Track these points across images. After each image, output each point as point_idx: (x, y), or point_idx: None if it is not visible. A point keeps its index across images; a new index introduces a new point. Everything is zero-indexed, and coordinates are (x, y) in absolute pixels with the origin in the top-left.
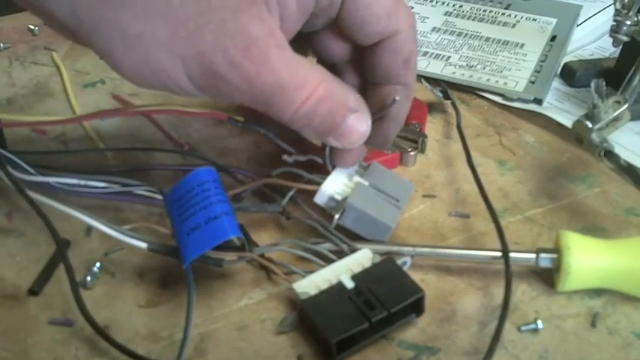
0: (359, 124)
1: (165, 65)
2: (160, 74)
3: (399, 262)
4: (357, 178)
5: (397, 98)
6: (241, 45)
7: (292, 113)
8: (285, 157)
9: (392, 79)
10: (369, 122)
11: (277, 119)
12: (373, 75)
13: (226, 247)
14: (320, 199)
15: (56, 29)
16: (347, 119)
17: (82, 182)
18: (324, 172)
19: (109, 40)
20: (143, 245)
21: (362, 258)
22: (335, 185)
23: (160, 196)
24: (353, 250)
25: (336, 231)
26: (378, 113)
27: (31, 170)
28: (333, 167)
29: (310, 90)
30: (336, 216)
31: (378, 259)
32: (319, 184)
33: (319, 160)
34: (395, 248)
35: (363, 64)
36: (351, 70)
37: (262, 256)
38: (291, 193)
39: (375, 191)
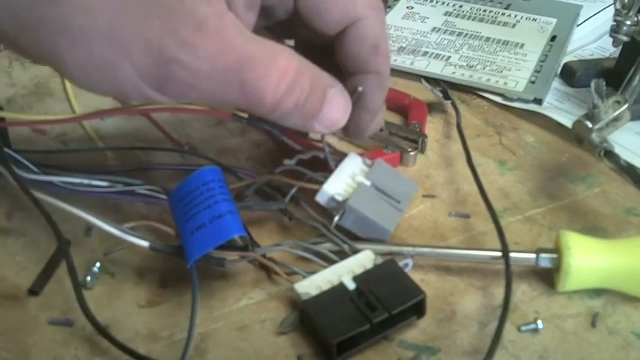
0: (340, 97)
1: (110, 58)
2: (104, 70)
3: (401, 263)
4: (359, 178)
5: (360, 89)
6: (192, 25)
7: (273, 92)
8: (286, 161)
9: (361, 68)
10: (347, 96)
11: (259, 109)
12: (343, 64)
13: (230, 246)
14: (321, 198)
15: (5, 43)
16: (328, 94)
17: (86, 181)
18: (328, 170)
19: (52, 38)
20: (145, 244)
21: (363, 259)
22: (337, 185)
23: (163, 196)
24: (354, 251)
25: (337, 232)
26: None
27: (35, 169)
28: (336, 165)
29: (285, 62)
30: (336, 217)
31: (379, 260)
32: (321, 182)
33: (322, 155)
34: (395, 248)
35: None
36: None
37: (264, 256)
38: (294, 190)
39: (376, 192)
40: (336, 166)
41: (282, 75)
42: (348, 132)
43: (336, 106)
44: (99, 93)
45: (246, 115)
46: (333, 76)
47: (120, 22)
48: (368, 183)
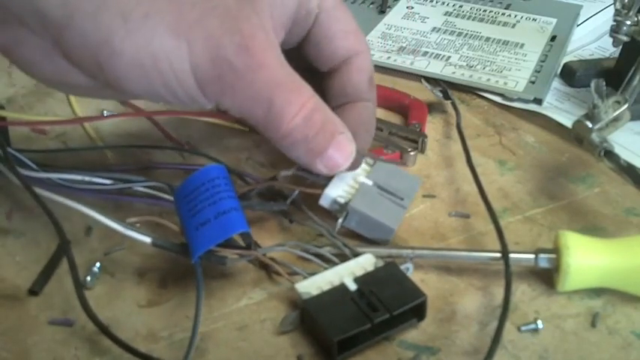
0: (347, 143)
1: (170, 50)
2: (161, 61)
3: (402, 267)
4: (361, 179)
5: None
6: (248, 31)
7: (291, 119)
8: (282, 172)
9: (361, 96)
10: (354, 144)
11: (274, 132)
12: (344, 95)
13: (232, 245)
14: (324, 202)
15: (27, 51)
16: (337, 137)
17: (87, 178)
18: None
19: (108, 25)
20: (147, 240)
21: (364, 262)
22: (339, 187)
23: (165, 195)
24: (355, 255)
25: (338, 235)
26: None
27: (35, 167)
28: None
29: (306, 97)
30: (340, 220)
31: (380, 263)
32: (323, 186)
33: None
34: (395, 251)
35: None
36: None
37: (265, 256)
38: (295, 193)
39: (379, 191)
40: None
41: (301, 107)
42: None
43: (342, 151)
44: (137, 91)
45: (247, 129)
46: None
47: (185, 16)
48: (370, 183)
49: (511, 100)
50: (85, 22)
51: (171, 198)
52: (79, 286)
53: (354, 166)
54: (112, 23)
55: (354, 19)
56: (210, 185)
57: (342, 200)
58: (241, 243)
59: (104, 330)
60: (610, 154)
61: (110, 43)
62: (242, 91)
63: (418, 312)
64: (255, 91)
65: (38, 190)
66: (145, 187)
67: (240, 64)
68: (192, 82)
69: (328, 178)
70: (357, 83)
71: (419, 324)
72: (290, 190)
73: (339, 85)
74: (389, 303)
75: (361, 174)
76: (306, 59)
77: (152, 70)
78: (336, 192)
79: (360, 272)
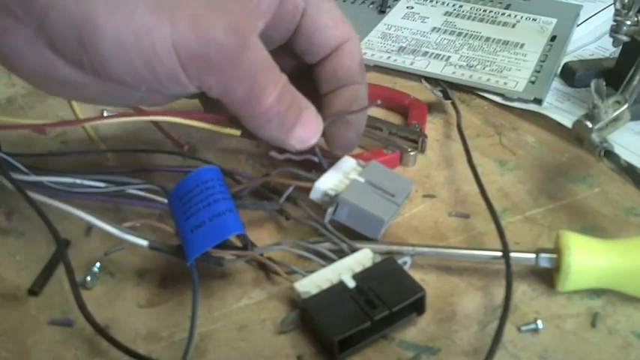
0: (314, 117)
1: (151, 27)
2: (143, 38)
3: (400, 261)
4: (353, 176)
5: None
6: (237, 12)
7: (268, 96)
8: (272, 153)
9: (354, 80)
10: (320, 119)
11: (251, 107)
12: (336, 80)
13: (229, 246)
14: (314, 195)
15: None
16: (303, 111)
17: (78, 181)
18: (323, 172)
19: (91, 2)
20: (144, 243)
21: (362, 258)
22: (329, 181)
23: (160, 198)
24: (353, 250)
25: (335, 230)
26: (340, 114)
27: (26, 170)
28: (329, 166)
29: (279, 75)
30: (330, 210)
31: (378, 258)
32: (315, 181)
33: (315, 159)
34: (395, 248)
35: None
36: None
37: (263, 255)
38: (289, 191)
39: (370, 187)
40: (329, 167)
41: (275, 85)
42: (352, 135)
43: (309, 125)
44: (120, 72)
45: (238, 133)
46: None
47: None
48: (362, 180)
49: (511, 100)
50: (69, 1)
51: (166, 200)
52: (76, 289)
53: (350, 146)
54: (95, 2)
55: (339, 8)
56: (204, 187)
57: (332, 193)
58: (238, 244)
59: (101, 331)
60: (610, 154)
61: (92, 21)
62: (228, 71)
63: (418, 306)
64: (241, 71)
65: (34, 194)
66: (139, 189)
67: (230, 44)
68: (175, 61)
69: (321, 175)
70: (349, 68)
71: (419, 323)
72: (285, 187)
73: (330, 71)
74: (388, 299)
75: (353, 172)
76: (296, 53)
77: (134, 48)
78: (326, 185)
79: (358, 268)
